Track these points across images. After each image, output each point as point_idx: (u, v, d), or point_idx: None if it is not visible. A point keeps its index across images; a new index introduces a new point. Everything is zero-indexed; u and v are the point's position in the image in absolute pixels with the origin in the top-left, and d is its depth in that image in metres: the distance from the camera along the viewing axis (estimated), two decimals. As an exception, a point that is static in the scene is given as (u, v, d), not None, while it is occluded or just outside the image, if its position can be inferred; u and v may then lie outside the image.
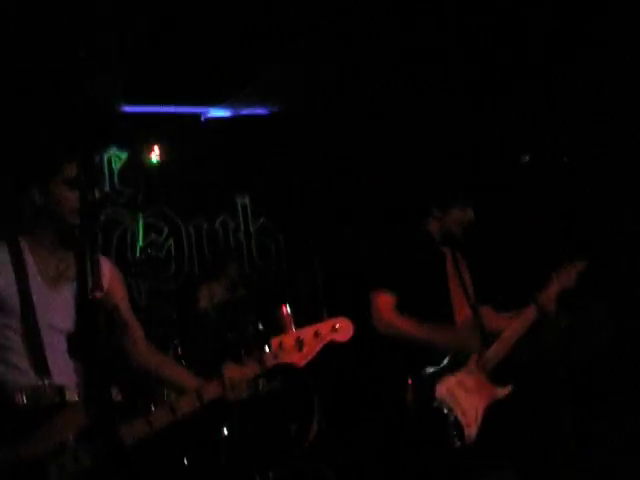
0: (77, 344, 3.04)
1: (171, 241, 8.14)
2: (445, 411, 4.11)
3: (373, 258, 4.55)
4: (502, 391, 4.34)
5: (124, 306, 3.48)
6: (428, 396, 4.12)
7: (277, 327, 6.73)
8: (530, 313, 4.42)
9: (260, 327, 6.66)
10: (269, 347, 3.21)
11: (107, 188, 7.89)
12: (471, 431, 4.13)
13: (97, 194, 3.13)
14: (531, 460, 4.40)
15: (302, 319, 6.76)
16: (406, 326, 4.20)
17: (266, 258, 8.52)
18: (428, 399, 4.11)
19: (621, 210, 6.91)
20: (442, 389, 4.15)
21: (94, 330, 2.49)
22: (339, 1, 6.27)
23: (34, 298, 3.17)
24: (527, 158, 4.71)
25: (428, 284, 4.30)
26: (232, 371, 3.22)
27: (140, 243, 7.92)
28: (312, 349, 3.28)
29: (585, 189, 6.90)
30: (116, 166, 7.99)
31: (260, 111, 8.39)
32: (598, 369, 6.14)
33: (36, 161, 3.20)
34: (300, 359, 3.27)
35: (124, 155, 8.03)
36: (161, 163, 7.95)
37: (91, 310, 2.88)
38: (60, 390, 3.00)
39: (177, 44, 6.73)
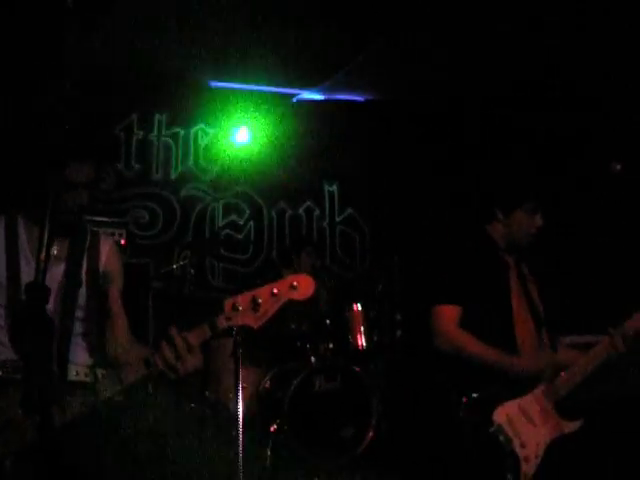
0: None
1: (251, 224, 7.89)
2: (502, 439, 3.58)
3: (435, 267, 4.05)
4: (571, 425, 3.78)
5: (113, 292, 3.25)
6: (484, 419, 3.57)
7: (347, 325, 6.48)
8: (605, 347, 3.86)
9: (327, 323, 6.38)
10: (221, 309, 2.87)
11: (190, 164, 7.73)
12: (529, 467, 3.55)
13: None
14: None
15: (373, 319, 6.55)
16: (472, 345, 3.69)
17: (349, 250, 8.19)
18: (484, 422, 3.57)
19: None
20: (502, 414, 3.59)
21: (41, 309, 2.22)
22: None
23: (22, 275, 3.03)
24: (618, 167, 4.05)
25: (488, 296, 3.78)
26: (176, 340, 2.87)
27: (219, 223, 7.73)
28: (268, 310, 2.90)
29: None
30: (202, 142, 7.79)
31: (355, 97, 8.04)
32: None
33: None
34: (255, 321, 2.90)
35: (211, 131, 7.82)
36: (248, 143, 7.72)
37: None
38: None
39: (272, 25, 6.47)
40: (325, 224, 8.18)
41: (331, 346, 6.23)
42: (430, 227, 7.31)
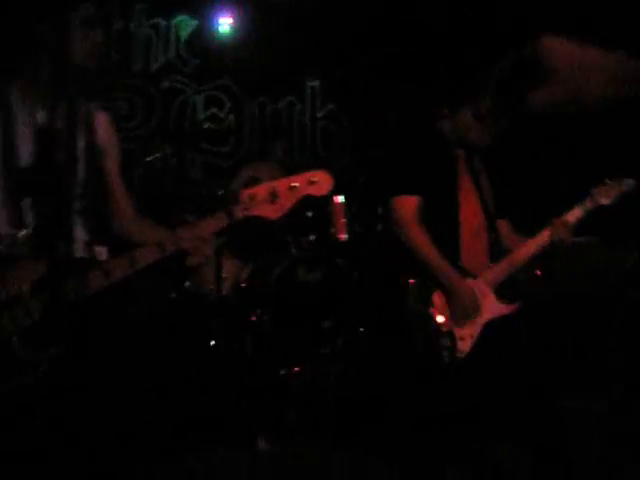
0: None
1: (232, 117, 7.83)
2: (440, 319, 3.78)
3: (390, 162, 4.18)
4: (508, 307, 3.92)
5: (113, 168, 3.17)
6: (425, 301, 3.80)
7: (328, 217, 6.50)
8: (546, 235, 4.00)
9: (309, 215, 6.39)
10: (238, 199, 2.88)
11: (171, 55, 7.63)
12: (465, 345, 3.78)
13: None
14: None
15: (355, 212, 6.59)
16: (419, 242, 3.84)
17: (329, 146, 8.18)
18: (424, 304, 3.79)
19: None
20: (440, 296, 3.81)
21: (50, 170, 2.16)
22: None
23: (17, 145, 2.85)
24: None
25: (434, 187, 3.90)
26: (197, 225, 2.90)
27: (200, 115, 7.67)
28: (286, 202, 2.93)
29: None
30: (184, 33, 7.67)
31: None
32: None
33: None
34: (273, 212, 2.92)
35: (194, 23, 7.69)
36: (231, 35, 7.61)
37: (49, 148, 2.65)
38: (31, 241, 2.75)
39: None
40: (306, 119, 8.13)
41: (312, 238, 6.28)
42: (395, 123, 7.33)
